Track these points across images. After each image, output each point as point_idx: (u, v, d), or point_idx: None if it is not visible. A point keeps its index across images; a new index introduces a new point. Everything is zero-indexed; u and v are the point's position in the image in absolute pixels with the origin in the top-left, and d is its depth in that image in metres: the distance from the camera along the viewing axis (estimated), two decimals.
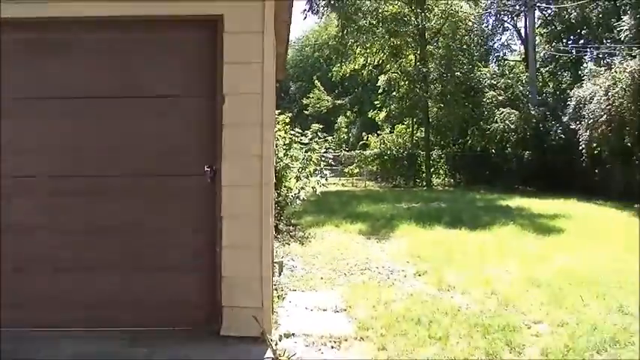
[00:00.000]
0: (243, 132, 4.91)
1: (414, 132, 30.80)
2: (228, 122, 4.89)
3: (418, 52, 28.66)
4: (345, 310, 6.27)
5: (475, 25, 30.45)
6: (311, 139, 12.38)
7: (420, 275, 8.12)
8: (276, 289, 6.70)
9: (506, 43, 39.37)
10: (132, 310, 5.03)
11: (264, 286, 4.99)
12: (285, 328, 5.46)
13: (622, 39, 21.26)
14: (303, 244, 10.45)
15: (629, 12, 21.83)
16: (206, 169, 4.98)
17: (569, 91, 25.27)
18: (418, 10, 27.37)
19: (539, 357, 5.07)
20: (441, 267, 8.50)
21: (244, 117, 4.91)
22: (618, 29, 21.86)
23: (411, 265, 8.76)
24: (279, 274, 7.28)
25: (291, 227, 12.09)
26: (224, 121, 4.89)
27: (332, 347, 5.16)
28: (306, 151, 12.37)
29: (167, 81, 5.07)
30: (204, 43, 5.05)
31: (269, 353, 4.68)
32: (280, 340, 5.00)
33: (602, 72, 20.68)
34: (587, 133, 19.02)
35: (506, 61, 36.14)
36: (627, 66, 17.43)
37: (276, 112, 11.07)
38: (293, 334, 5.29)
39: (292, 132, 12.00)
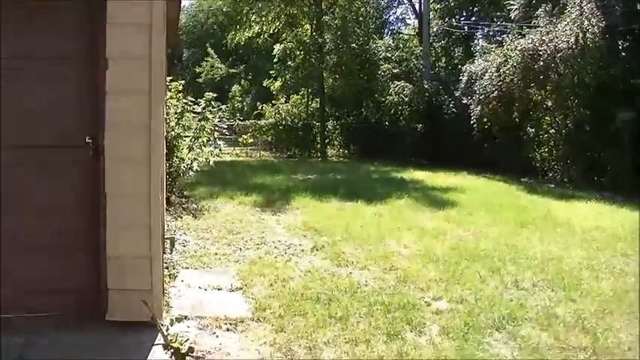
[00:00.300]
0: (129, 100, 4.48)
1: (310, 102, 30.67)
2: (111, 89, 4.45)
3: (314, 22, 28.41)
4: (241, 288, 6.00)
5: None
6: (204, 108, 11.88)
7: (317, 250, 7.95)
8: (167, 268, 6.33)
9: (401, 17, 40.01)
10: (8, 295, 4.50)
11: (154, 266, 4.64)
12: (177, 311, 5.14)
13: (512, 17, 21.88)
14: (196, 217, 10.05)
15: None
16: (87, 140, 4.53)
17: (460, 66, 25.80)
18: None
19: (439, 335, 5.02)
20: (338, 241, 8.39)
21: (130, 84, 4.48)
22: (509, 8, 22.46)
23: (308, 239, 8.59)
24: (171, 251, 6.89)
25: (183, 199, 11.62)
26: (107, 88, 4.45)
27: (227, 330, 4.89)
28: (199, 121, 11.88)
29: (43, 44, 4.53)
30: (84, 1, 4.56)
31: (160, 339, 4.36)
32: (172, 325, 4.69)
33: (493, 49, 21.22)
34: (479, 108, 19.49)
35: (400, 35, 36.53)
36: (518, 44, 17.90)
37: (168, 78, 10.55)
38: (186, 317, 4.99)
39: (185, 100, 11.47)
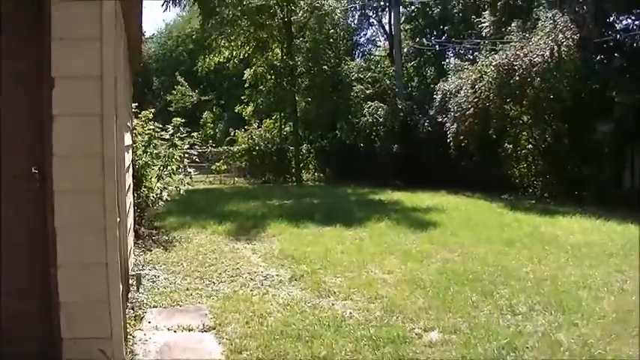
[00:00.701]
0: (79, 125, 3.99)
1: (283, 126, 30.21)
2: (59, 112, 3.95)
3: (285, 45, 28.04)
4: (214, 328, 5.46)
5: (341, 20, 30.20)
6: (173, 135, 11.38)
7: (296, 280, 7.45)
8: (132, 309, 5.79)
9: (371, 38, 39.79)
10: None
11: (113, 310, 4.12)
12: (143, 359, 4.59)
13: (484, 34, 21.75)
14: (166, 249, 9.48)
15: (488, 9, 22.36)
16: (33, 170, 4.01)
17: (433, 85, 25.58)
18: (284, 3, 26.73)
19: None
20: (318, 270, 7.90)
21: (80, 106, 4.00)
22: (480, 25, 22.34)
23: (285, 269, 8.08)
24: (137, 289, 6.34)
25: (153, 231, 11.04)
26: (54, 111, 3.94)
27: None
28: (168, 147, 11.37)
29: None
30: (27, 14, 4.06)
31: None
32: None
33: (466, 66, 21.02)
34: (454, 126, 19.19)
35: (372, 56, 36.36)
36: (493, 59, 17.68)
37: (135, 105, 10.04)
38: None
39: (152, 127, 10.96)
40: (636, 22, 18.20)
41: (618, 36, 17.54)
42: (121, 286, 4.30)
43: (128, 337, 4.78)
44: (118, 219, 4.29)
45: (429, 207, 14.64)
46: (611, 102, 15.92)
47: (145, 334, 5.19)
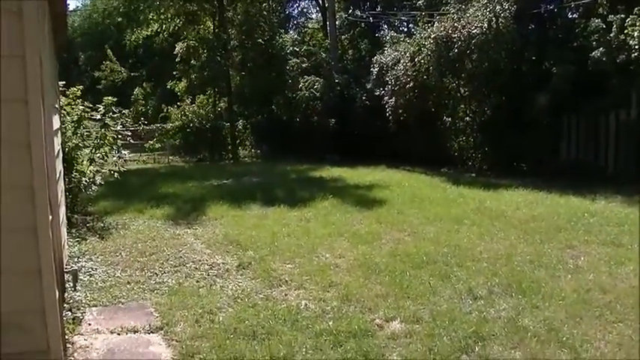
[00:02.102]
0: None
1: (217, 102, 29.38)
2: None
3: (216, 18, 27.21)
4: (162, 328, 5.04)
5: None
6: (104, 114, 10.70)
7: (244, 268, 7.08)
8: (70, 310, 5.30)
9: (304, 11, 39.12)
10: None
11: (50, 320, 3.66)
12: None
13: (419, 6, 21.50)
14: (103, 237, 8.90)
15: None
16: None
17: (368, 57, 25.26)
18: None
19: None
20: (266, 256, 7.54)
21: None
22: None
23: (231, 256, 7.69)
24: (74, 287, 5.83)
25: (87, 217, 10.41)
26: None
27: None
28: (100, 128, 10.69)
29: None
30: None
31: None
32: None
33: (402, 39, 20.76)
34: (393, 100, 18.95)
35: (306, 29, 35.79)
36: (431, 32, 17.45)
37: (62, 83, 9.35)
38: None
39: (82, 107, 10.27)
40: None
41: (554, 7, 17.53)
42: (57, 292, 3.82)
43: (67, 345, 4.31)
44: (50, 217, 3.80)
45: (372, 183, 14.39)
46: (548, 74, 15.94)
47: (85, 340, 4.72)
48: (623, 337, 4.76)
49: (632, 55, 13.18)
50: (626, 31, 13.38)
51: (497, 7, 16.03)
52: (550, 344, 4.64)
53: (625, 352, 4.48)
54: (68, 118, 10.03)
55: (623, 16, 13.69)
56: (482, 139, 17.88)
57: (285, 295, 6.03)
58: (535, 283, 6.13)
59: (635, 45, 13.06)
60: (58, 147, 6.42)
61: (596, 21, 14.56)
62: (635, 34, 13.05)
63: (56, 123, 6.39)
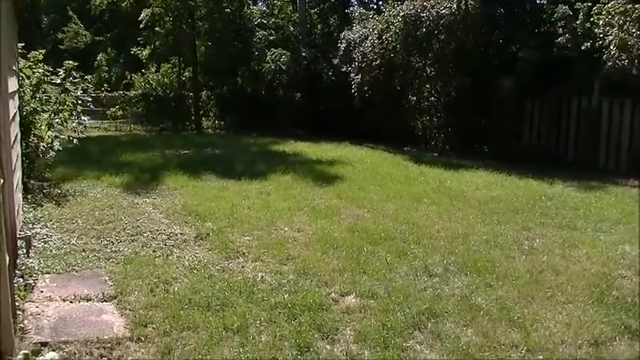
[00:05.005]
0: None
1: (182, 72, 28.98)
2: None
3: None
4: (116, 297, 5.02)
5: None
6: (64, 79, 10.48)
7: (202, 239, 7.06)
8: (22, 277, 5.23)
9: None
10: None
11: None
12: (35, 336, 4.12)
13: None
14: (59, 204, 8.77)
15: None
16: None
17: (337, 33, 25.15)
18: None
19: (356, 342, 4.32)
20: (224, 228, 7.54)
21: None
22: None
23: (189, 226, 7.66)
24: (27, 254, 5.74)
25: (44, 183, 10.24)
26: None
27: (101, 357, 3.93)
28: (59, 93, 10.48)
29: None
30: None
31: None
32: None
33: (371, 15, 20.70)
34: (359, 76, 18.94)
35: (275, 1, 35.44)
36: (401, 10, 17.42)
37: (21, 46, 9.10)
38: (46, 345, 3.97)
39: (41, 70, 10.04)
40: None
41: None
42: (7, 257, 3.75)
43: (17, 312, 4.25)
44: (2, 180, 3.72)
45: (334, 159, 14.41)
46: (514, 57, 16.11)
47: (37, 307, 4.67)
48: (572, 317, 4.87)
49: (597, 43, 13.38)
50: (592, 19, 13.58)
51: None
52: (501, 323, 4.73)
53: (573, 332, 4.59)
54: (27, 81, 9.80)
55: (590, 4, 13.88)
56: (446, 120, 18.02)
57: (242, 267, 6.04)
58: (490, 263, 6.23)
59: (600, 33, 13.26)
60: (14, 110, 6.28)
61: (564, 7, 14.74)
62: (601, 22, 13.24)
63: (13, 85, 6.24)
